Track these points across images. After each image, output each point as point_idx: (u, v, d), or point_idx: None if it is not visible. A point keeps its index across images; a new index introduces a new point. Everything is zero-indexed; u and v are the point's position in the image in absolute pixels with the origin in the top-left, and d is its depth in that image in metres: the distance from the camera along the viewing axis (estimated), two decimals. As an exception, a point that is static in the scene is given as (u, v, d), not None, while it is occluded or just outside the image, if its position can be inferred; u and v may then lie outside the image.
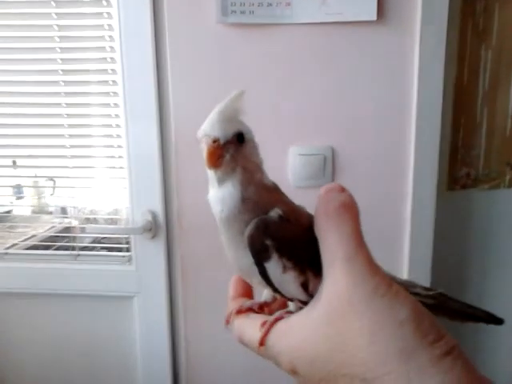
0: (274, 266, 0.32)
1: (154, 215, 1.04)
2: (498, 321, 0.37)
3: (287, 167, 0.97)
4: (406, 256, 1.01)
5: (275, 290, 0.34)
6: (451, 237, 1.13)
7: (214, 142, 0.32)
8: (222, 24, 0.92)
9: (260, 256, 0.32)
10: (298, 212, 0.35)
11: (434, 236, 0.99)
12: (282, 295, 0.34)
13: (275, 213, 0.32)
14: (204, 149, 0.32)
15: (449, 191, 1.12)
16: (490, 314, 0.37)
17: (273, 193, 0.35)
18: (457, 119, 1.09)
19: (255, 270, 0.33)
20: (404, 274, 1.02)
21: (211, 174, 0.33)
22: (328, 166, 0.97)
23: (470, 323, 0.38)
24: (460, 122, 1.09)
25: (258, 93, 0.96)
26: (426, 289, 0.37)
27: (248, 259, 0.33)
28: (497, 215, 1.14)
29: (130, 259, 1.09)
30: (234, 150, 0.32)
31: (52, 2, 0.98)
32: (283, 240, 0.32)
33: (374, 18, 0.90)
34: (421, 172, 0.97)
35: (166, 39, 0.96)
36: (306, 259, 0.32)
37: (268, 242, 0.31)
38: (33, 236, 1.16)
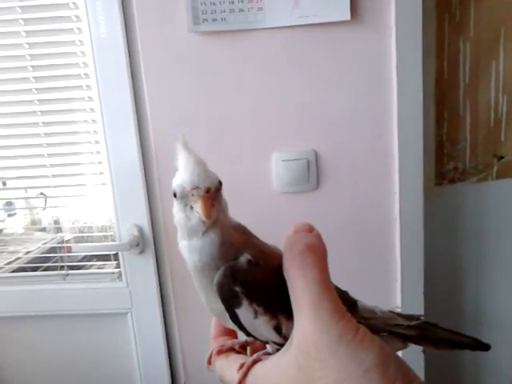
0: (244, 312, 0.31)
1: (141, 229, 1.02)
2: (485, 347, 0.36)
3: (271, 174, 0.95)
4: (397, 255, 1.00)
5: (248, 334, 0.33)
6: (442, 232, 1.13)
7: (207, 192, 0.31)
8: (195, 33, 0.90)
9: (230, 303, 0.32)
10: (269, 253, 0.34)
11: (425, 232, 0.98)
12: (256, 338, 0.33)
13: (244, 258, 0.32)
14: (197, 201, 0.31)
15: (437, 186, 1.12)
16: (476, 341, 0.36)
17: (242, 235, 0.34)
18: (440, 113, 1.08)
19: (227, 315, 0.32)
20: (397, 274, 1.01)
21: (194, 225, 0.32)
22: (312, 169, 0.95)
23: (456, 350, 0.37)
24: (443, 116, 1.08)
25: (236, 100, 0.94)
26: (408, 318, 0.36)
27: (220, 305, 0.32)
28: (486, 207, 1.13)
29: (119, 275, 1.08)
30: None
31: (20, 21, 0.96)
32: (252, 286, 0.31)
33: (348, 17, 0.88)
34: (406, 169, 0.96)
35: (139, 52, 0.94)
36: (278, 303, 0.31)
37: (237, 289, 0.31)
38: (18, 258, 1.14)
